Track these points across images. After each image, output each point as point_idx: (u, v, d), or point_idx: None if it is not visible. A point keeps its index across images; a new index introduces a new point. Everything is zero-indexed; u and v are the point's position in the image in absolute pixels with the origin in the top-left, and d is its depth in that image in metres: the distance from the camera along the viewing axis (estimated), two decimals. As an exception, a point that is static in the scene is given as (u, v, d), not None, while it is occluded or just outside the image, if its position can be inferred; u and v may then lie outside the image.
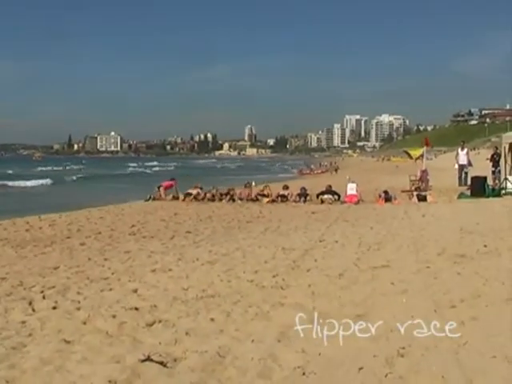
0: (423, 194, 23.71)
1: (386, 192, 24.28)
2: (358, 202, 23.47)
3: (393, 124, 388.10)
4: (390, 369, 5.16)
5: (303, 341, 5.95)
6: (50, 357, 5.65)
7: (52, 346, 6.01)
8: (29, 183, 51.80)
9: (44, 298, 8.11)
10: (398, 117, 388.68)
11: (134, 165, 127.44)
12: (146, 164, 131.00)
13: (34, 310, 7.47)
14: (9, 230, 15.49)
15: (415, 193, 24.01)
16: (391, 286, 8.18)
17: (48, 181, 55.24)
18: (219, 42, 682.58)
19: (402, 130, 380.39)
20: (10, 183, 51.15)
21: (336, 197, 24.20)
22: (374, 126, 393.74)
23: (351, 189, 24.77)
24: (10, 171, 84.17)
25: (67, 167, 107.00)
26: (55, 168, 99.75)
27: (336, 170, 70.21)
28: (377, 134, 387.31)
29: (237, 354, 5.63)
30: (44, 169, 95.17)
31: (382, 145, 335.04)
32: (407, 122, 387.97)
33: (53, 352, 5.79)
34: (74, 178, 63.60)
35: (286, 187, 25.92)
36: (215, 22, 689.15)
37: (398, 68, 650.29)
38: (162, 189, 26.99)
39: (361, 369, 5.15)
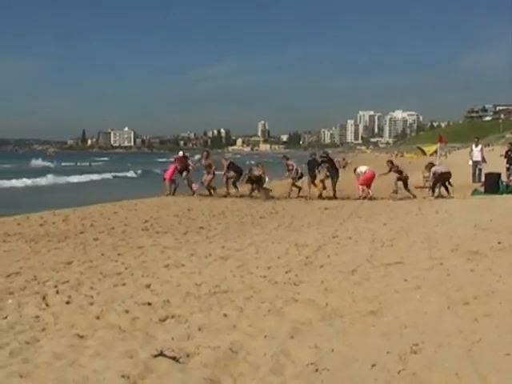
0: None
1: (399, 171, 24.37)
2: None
3: (406, 120, 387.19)
4: (403, 365, 5.14)
5: (316, 337, 5.94)
6: (63, 351, 5.66)
7: (65, 340, 6.03)
8: (93, 177, 52.54)
9: (57, 292, 8.14)
10: (412, 113, 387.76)
11: (164, 160, 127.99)
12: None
13: (47, 305, 7.49)
14: (23, 225, 15.55)
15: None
16: (404, 283, 8.15)
17: (108, 175, 55.86)
18: (231, 37, 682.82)
19: (415, 126, 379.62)
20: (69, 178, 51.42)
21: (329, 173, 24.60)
22: (387, 122, 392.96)
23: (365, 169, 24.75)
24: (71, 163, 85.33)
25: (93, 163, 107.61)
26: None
27: (344, 167, 68.70)
28: (390, 130, 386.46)
29: (249, 350, 5.63)
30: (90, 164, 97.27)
31: (396, 141, 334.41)
32: (421, 118, 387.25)
33: (66, 347, 5.81)
34: (133, 173, 63.85)
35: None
36: (225, 16, 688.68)
37: (411, 64, 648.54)
38: (167, 181, 25.95)
39: (374, 365, 5.14)
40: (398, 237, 12.49)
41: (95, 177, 53.84)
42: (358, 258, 10.17)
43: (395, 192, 23.79)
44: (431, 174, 23.94)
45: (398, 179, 24.16)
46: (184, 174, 25.97)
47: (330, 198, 23.75)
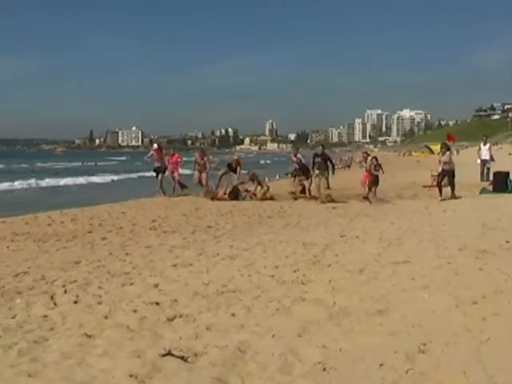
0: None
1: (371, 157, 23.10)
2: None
3: (414, 119, 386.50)
4: (411, 365, 5.14)
5: (324, 336, 5.95)
6: (71, 351, 5.68)
7: (73, 340, 6.05)
8: (118, 177, 52.32)
9: (65, 292, 8.16)
10: (420, 112, 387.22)
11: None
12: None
13: (55, 304, 7.51)
14: (31, 225, 15.58)
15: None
16: (412, 282, 8.16)
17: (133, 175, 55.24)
18: (237, 35, 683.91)
19: (423, 124, 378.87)
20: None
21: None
22: (395, 121, 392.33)
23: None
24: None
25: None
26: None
27: (349, 166, 67.28)
28: (398, 129, 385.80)
29: (257, 349, 5.64)
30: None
31: (403, 140, 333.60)
32: (429, 116, 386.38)
33: (74, 346, 5.83)
34: None
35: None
36: (233, 14, 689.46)
37: (419, 62, 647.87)
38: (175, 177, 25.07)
39: (381, 365, 5.14)
40: (405, 236, 12.48)
41: (120, 177, 53.30)
42: (366, 257, 10.17)
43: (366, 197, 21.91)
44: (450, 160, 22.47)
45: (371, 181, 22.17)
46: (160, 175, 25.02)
47: (311, 198, 22.81)
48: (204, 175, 24.73)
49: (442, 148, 22.75)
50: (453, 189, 21.60)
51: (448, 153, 22.04)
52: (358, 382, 4.91)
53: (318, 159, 22.73)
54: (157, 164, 25.31)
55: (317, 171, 22.55)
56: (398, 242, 11.64)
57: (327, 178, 22.49)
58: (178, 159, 25.83)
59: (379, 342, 5.72)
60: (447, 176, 21.67)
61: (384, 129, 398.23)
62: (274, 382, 4.95)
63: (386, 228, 13.90)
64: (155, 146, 26.81)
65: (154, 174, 25.60)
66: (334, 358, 5.37)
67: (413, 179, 28.80)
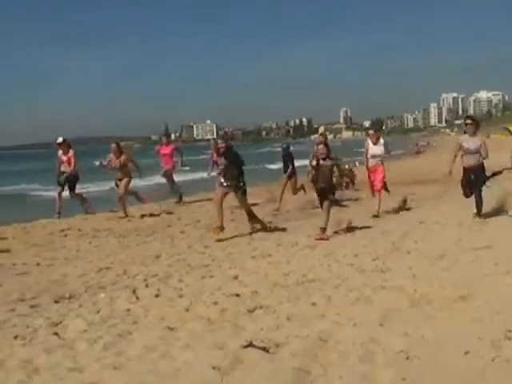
0: None
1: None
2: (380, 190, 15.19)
3: (491, 100, 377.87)
4: (497, 352, 5.02)
5: (405, 324, 5.88)
6: (154, 344, 5.77)
7: (156, 333, 6.14)
8: None
9: (147, 286, 8.29)
10: (497, 92, 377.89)
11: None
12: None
13: (137, 298, 7.64)
14: (111, 221, 15.83)
15: None
16: (495, 267, 7.97)
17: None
18: (308, 21, 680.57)
19: (501, 106, 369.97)
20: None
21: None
22: (471, 104, 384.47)
23: (373, 155, 15.30)
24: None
25: None
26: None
27: (418, 153, 62.80)
28: (475, 112, 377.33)
29: (338, 339, 5.61)
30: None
31: (481, 122, 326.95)
32: (506, 97, 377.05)
33: (157, 339, 5.92)
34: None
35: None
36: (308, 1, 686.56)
37: (495, 40, 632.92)
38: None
39: (466, 353, 5.04)
40: (486, 221, 12.21)
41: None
42: (446, 242, 10.01)
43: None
44: None
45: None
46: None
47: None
48: (125, 181, 16.43)
49: (466, 124, 13.45)
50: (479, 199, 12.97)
51: (478, 137, 13.41)
52: (443, 370, 4.82)
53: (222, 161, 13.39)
54: (63, 168, 17.25)
55: (221, 179, 13.19)
56: (478, 228, 11.41)
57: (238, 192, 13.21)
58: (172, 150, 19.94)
59: (463, 329, 5.62)
60: (474, 176, 13.21)
61: (460, 112, 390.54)
62: (355, 371, 4.90)
63: (465, 213, 13.60)
64: (60, 139, 17.36)
65: (60, 185, 17.07)
66: (416, 346, 5.29)
67: (491, 162, 28.02)
